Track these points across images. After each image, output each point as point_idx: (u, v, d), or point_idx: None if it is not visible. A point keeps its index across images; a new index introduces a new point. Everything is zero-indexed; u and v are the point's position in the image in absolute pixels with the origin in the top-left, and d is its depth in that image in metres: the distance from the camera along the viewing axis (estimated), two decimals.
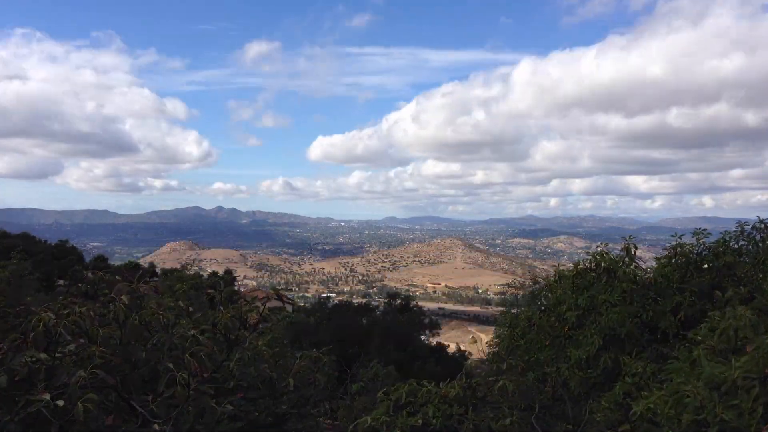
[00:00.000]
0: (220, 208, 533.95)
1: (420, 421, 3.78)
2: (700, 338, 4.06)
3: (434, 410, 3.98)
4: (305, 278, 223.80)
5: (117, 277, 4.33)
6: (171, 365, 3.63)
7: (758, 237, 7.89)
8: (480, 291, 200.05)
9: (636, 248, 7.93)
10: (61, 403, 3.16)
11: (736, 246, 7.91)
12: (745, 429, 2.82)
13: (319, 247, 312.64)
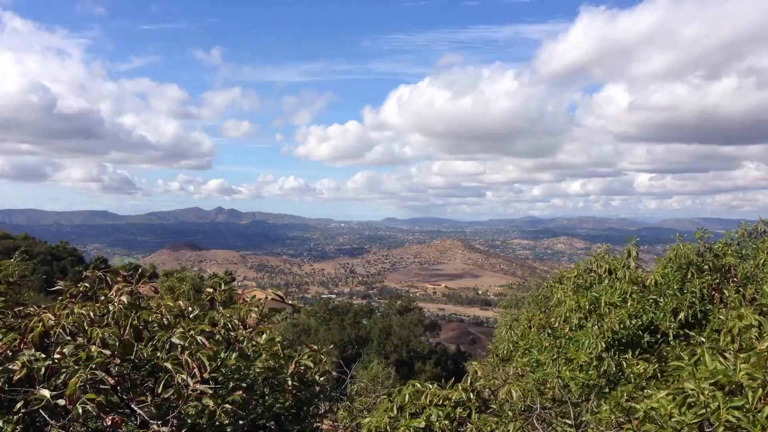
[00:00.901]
0: (219, 209, 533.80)
1: (423, 424, 3.76)
2: (703, 339, 4.05)
3: (437, 413, 3.95)
4: (305, 279, 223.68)
5: (117, 278, 4.31)
6: (170, 365, 3.62)
7: (758, 238, 7.90)
8: (480, 292, 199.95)
9: (637, 249, 7.93)
10: (60, 403, 3.14)
11: (737, 246, 7.91)
12: (750, 429, 2.80)
13: (319, 248, 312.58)
